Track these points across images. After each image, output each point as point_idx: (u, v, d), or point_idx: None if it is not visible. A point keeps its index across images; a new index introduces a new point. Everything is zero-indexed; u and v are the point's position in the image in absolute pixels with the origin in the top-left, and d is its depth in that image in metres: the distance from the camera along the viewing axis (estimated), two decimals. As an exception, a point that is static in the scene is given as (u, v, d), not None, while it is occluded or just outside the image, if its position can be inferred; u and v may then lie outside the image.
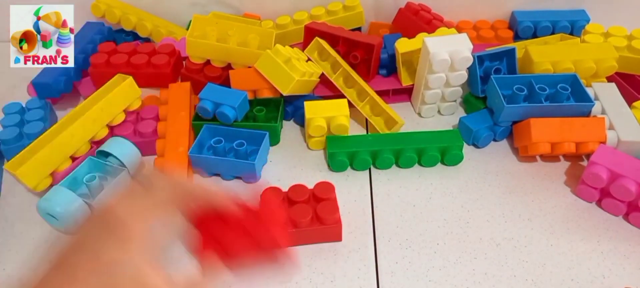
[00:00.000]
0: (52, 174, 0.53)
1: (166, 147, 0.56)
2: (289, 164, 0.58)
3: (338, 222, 0.47)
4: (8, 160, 0.58)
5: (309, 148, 0.60)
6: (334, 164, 0.56)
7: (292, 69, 0.58)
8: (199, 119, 0.59)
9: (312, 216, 0.47)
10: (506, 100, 0.57)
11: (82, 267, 0.28)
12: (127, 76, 0.60)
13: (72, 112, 0.56)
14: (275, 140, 0.60)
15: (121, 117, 0.59)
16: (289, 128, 0.64)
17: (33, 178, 0.51)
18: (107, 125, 0.58)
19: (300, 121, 0.64)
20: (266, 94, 0.61)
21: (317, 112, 0.57)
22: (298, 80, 0.57)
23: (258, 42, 0.63)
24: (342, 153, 0.56)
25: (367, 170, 0.57)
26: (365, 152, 0.56)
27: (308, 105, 0.58)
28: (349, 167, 0.57)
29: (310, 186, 0.51)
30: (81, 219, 0.49)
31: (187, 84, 0.63)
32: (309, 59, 0.64)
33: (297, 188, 0.50)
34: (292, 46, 0.65)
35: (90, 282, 0.28)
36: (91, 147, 0.57)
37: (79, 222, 0.48)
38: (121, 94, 0.58)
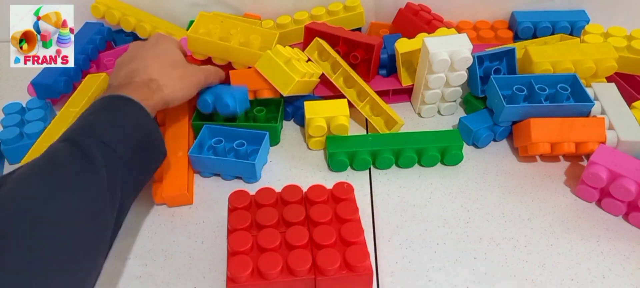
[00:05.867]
0: None
1: (165, 152, 0.56)
2: (289, 164, 0.58)
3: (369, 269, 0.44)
4: (9, 162, 0.58)
5: (309, 149, 0.60)
6: (334, 164, 0.56)
7: (293, 70, 0.58)
8: (199, 119, 0.59)
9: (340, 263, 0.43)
10: (506, 100, 0.57)
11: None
12: (100, 74, 0.61)
13: (58, 115, 0.56)
14: (275, 140, 0.60)
15: None
16: (289, 128, 0.64)
17: None
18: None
19: (300, 121, 0.64)
20: (266, 95, 0.61)
21: (317, 112, 0.57)
22: (298, 81, 0.58)
23: (260, 43, 0.63)
24: (342, 153, 0.56)
25: (367, 170, 0.57)
26: (365, 152, 0.56)
27: (308, 105, 0.58)
28: (348, 167, 0.57)
29: (308, 185, 0.51)
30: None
31: None
32: (309, 59, 0.64)
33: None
34: (292, 46, 0.65)
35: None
36: None
37: None
38: (101, 91, 0.58)
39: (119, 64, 0.53)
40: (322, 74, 0.63)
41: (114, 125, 0.43)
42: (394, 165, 0.57)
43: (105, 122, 0.43)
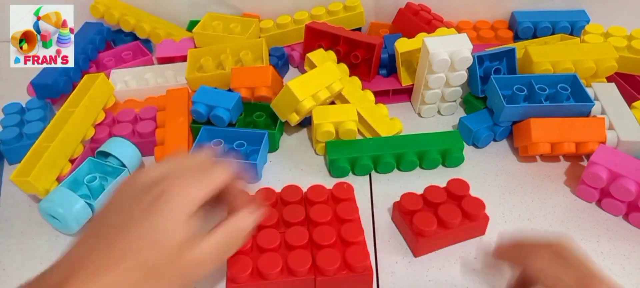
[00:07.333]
0: (58, 178, 0.53)
1: (165, 154, 0.56)
2: (289, 164, 0.58)
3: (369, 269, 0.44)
4: (9, 162, 0.58)
5: (316, 154, 0.60)
6: (335, 171, 0.55)
7: (292, 115, 0.57)
8: (196, 121, 0.59)
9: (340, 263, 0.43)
10: (506, 100, 0.57)
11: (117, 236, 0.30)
12: (98, 74, 0.61)
13: (57, 115, 0.56)
14: (273, 147, 0.59)
15: (102, 116, 0.60)
16: (289, 128, 0.64)
17: (43, 185, 0.51)
18: (93, 124, 0.59)
19: (301, 122, 0.63)
20: (264, 93, 0.61)
21: (325, 117, 0.56)
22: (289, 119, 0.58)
23: (251, 57, 0.65)
24: (343, 159, 0.55)
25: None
26: (366, 157, 0.55)
27: (316, 111, 0.57)
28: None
29: (309, 185, 0.51)
30: (83, 221, 0.49)
31: (185, 89, 0.63)
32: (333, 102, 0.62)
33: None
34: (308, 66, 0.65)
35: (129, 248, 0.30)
36: (84, 148, 0.57)
37: (81, 223, 0.48)
38: (99, 91, 0.59)
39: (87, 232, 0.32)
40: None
41: None
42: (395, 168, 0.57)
43: None
